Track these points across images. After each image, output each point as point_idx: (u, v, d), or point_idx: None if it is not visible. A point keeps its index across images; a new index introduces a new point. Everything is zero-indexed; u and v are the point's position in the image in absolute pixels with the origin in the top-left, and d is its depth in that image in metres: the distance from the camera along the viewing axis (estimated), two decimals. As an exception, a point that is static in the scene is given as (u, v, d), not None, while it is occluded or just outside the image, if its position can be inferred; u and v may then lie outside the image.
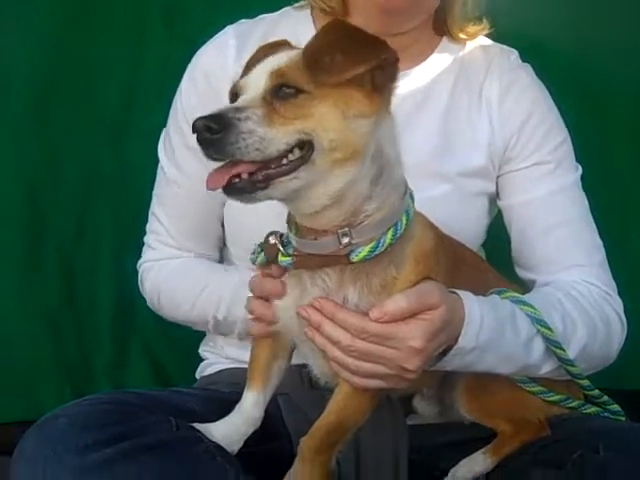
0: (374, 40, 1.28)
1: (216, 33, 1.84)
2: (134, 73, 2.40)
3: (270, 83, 1.27)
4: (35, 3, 2.35)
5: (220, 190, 1.25)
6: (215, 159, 1.24)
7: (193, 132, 1.22)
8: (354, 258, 1.33)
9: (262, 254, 1.43)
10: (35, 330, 2.40)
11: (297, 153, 1.25)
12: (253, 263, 1.45)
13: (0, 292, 2.38)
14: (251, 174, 1.24)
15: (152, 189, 1.89)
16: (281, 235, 1.40)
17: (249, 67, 1.36)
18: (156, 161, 1.89)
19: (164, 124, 1.87)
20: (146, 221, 1.91)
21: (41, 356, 2.41)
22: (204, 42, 1.84)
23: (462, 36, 1.83)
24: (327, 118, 1.25)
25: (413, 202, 1.40)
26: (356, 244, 1.33)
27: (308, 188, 1.29)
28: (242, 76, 1.35)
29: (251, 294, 1.50)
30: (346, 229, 1.32)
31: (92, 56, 2.37)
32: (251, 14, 1.88)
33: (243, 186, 1.25)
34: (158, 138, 1.89)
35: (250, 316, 1.51)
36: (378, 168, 1.32)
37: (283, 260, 1.38)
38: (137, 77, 2.40)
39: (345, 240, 1.32)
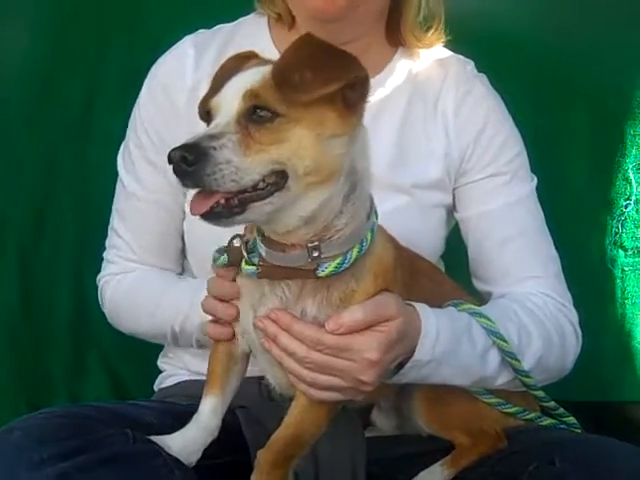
0: (345, 57, 1.27)
1: (177, 38, 1.84)
2: (96, 74, 2.39)
3: (244, 105, 1.26)
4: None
5: (198, 217, 1.25)
6: (192, 187, 1.24)
7: (169, 163, 1.21)
8: (321, 273, 1.33)
9: (222, 257, 1.42)
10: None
11: (272, 178, 1.25)
12: (214, 261, 1.44)
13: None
14: (227, 199, 1.24)
15: (113, 192, 1.88)
16: (247, 241, 1.39)
17: (217, 80, 1.34)
18: (116, 165, 1.87)
19: (125, 128, 1.86)
20: (106, 227, 1.89)
21: (-3, 363, 2.40)
22: (165, 46, 1.84)
23: (418, 45, 1.81)
24: (302, 144, 1.25)
25: (377, 217, 1.40)
26: (324, 259, 1.33)
27: (282, 211, 1.29)
28: (211, 90, 1.34)
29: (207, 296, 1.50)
30: (316, 243, 1.32)
31: (55, 55, 2.37)
32: (211, 19, 1.88)
33: (221, 212, 1.24)
34: (119, 141, 1.88)
35: (207, 317, 1.50)
36: (351, 184, 1.32)
37: (247, 268, 1.37)
38: (99, 79, 2.40)
39: (315, 254, 1.32)
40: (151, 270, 1.84)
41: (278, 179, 1.25)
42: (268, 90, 1.25)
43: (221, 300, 1.47)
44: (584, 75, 2.41)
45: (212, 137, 1.22)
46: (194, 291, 1.68)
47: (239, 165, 1.21)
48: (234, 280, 1.43)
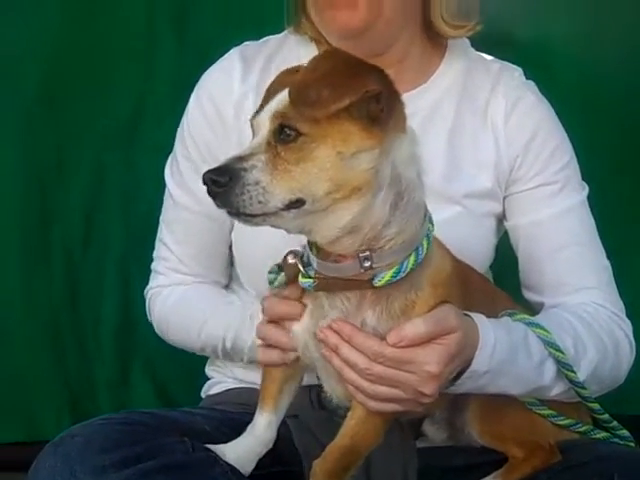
0: (359, 70, 1.26)
1: (226, 47, 1.85)
2: (145, 81, 2.42)
3: (272, 125, 1.28)
4: (46, 5, 2.36)
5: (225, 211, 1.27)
6: (223, 209, 1.27)
7: (203, 184, 1.25)
8: (377, 283, 1.32)
9: (281, 275, 1.41)
10: (37, 343, 2.40)
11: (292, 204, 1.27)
12: (270, 284, 1.43)
13: (5, 300, 2.38)
14: None
15: (161, 201, 1.88)
16: (302, 256, 1.39)
17: (267, 95, 1.36)
18: (164, 173, 1.88)
19: (174, 135, 1.86)
20: (154, 236, 1.89)
21: (42, 370, 2.41)
22: (214, 55, 1.84)
23: (452, 32, 1.76)
24: (324, 164, 1.24)
25: (433, 226, 1.40)
26: (378, 268, 1.32)
27: (312, 223, 1.29)
28: (260, 106, 1.35)
29: (262, 319, 1.49)
30: (367, 253, 1.32)
31: (104, 62, 2.39)
32: (260, 28, 1.89)
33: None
34: (167, 149, 1.89)
35: (260, 342, 1.49)
36: (397, 193, 1.31)
37: (304, 281, 1.36)
38: (148, 85, 2.42)
39: (367, 264, 1.32)
40: (200, 284, 1.84)
41: (296, 204, 1.26)
42: (292, 109, 1.26)
43: (276, 323, 1.45)
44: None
45: (241, 159, 1.25)
46: (244, 307, 1.69)
47: (267, 187, 1.24)
48: (299, 299, 1.42)
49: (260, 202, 1.24)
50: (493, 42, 1.89)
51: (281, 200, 1.25)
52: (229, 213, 1.27)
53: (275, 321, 1.46)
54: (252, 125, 1.33)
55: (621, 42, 2.40)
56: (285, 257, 1.40)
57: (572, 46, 2.41)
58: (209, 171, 1.25)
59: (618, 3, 2.41)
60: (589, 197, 1.83)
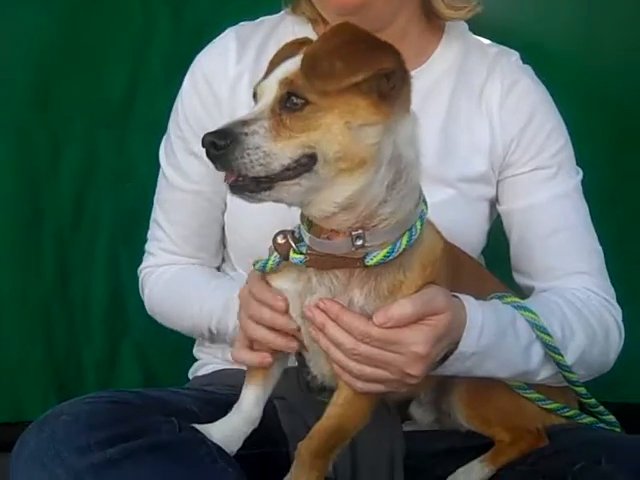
0: (375, 47, 1.25)
1: (221, 26, 1.84)
2: (139, 62, 2.39)
3: (279, 92, 1.27)
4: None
5: (226, 187, 1.27)
6: (223, 171, 1.26)
7: (202, 147, 1.24)
8: (369, 262, 1.32)
9: (274, 256, 1.39)
10: (26, 323, 2.39)
11: (302, 160, 1.25)
12: (261, 270, 1.42)
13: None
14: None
15: (153, 181, 1.88)
16: (292, 232, 1.38)
17: (272, 65, 1.35)
18: (157, 153, 1.87)
19: (167, 116, 1.85)
20: (145, 216, 1.89)
21: (29, 351, 2.40)
22: (209, 35, 1.84)
23: (451, 14, 1.76)
24: (332, 130, 1.24)
25: (427, 207, 1.39)
26: (369, 247, 1.32)
27: (314, 194, 1.28)
28: (265, 75, 1.34)
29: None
30: (360, 232, 1.31)
31: (97, 42, 2.37)
32: (256, 8, 1.88)
33: (247, 185, 1.26)
34: (160, 129, 1.88)
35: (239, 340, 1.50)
36: (396, 172, 1.30)
37: (295, 257, 1.35)
38: (142, 66, 2.39)
39: (359, 242, 1.31)
40: (191, 266, 1.84)
41: (307, 161, 1.25)
42: (302, 78, 1.25)
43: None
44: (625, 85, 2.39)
45: (244, 123, 1.24)
46: (230, 291, 1.67)
47: (268, 150, 1.23)
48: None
49: (262, 165, 1.23)
50: (491, 31, 1.89)
51: (290, 157, 1.24)
52: (232, 190, 1.26)
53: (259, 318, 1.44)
54: (255, 92, 1.32)
55: (620, 29, 2.38)
56: (275, 238, 1.39)
57: (570, 34, 2.40)
58: (209, 133, 1.24)
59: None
60: (584, 182, 1.82)
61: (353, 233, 1.31)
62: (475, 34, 1.87)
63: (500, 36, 1.90)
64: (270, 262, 1.40)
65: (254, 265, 1.42)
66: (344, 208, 1.29)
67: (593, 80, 2.39)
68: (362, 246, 1.31)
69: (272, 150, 1.23)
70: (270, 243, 1.39)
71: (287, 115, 1.25)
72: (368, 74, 1.23)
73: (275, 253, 1.39)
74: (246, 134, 1.23)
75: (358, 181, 1.27)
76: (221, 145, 1.22)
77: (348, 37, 1.26)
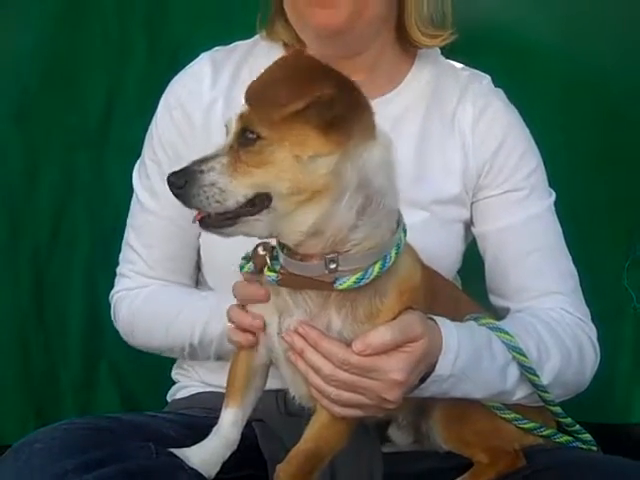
0: (316, 74, 1.26)
1: (197, 47, 1.85)
2: (116, 83, 2.39)
3: (237, 127, 1.30)
4: (21, 8, 2.35)
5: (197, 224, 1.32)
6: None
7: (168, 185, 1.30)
8: (339, 286, 1.33)
9: (249, 264, 1.42)
10: (2, 346, 2.37)
11: (258, 199, 1.28)
12: (241, 269, 1.44)
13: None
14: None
15: (129, 203, 1.87)
16: (272, 248, 1.40)
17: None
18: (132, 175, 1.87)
19: (143, 138, 1.86)
20: (122, 238, 1.88)
21: (7, 374, 2.38)
22: (185, 57, 1.85)
23: (426, 41, 1.76)
24: (282, 167, 1.26)
25: (405, 235, 1.39)
26: (343, 272, 1.32)
27: (278, 226, 1.31)
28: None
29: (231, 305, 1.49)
30: (334, 255, 1.32)
31: (74, 63, 2.37)
32: (231, 29, 1.90)
33: (212, 222, 1.30)
34: (136, 151, 1.88)
35: (232, 325, 1.50)
36: (366, 198, 1.31)
37: (269, 275, 1.37)
38: (118, 87, 2.39)
39: (332, 266, 1.32)
40: (166, 285, 1.83)
41: (263, 200, 1.28)
42: (252, 111, 1.27)
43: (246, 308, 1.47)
44: (605, 90, 2.40)
45: (202, 161, 1.28)
46: (213, 300, 1.69)
47: (223, 187, 1.27)
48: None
49: (218, 202, 1.27)
50: (471, 43, 1.90)
51: (244, 195, 1.27)
52: (201, 226, 1.31)
53: (244, 306, 1.47)
54: (226, 128, 1.34)
55: (603, 38, 2.40)
56: (255, 248, 1.41)
57: (552, 46, 2.40)
58: (170, 173, 1.29)
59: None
60: (556, 204, 1.84)
61: (327, 257, 1.32)
62: (456, 49, 1.87)
63: (479, 51, 1.91)
64: (246, 268, 1.43)
65: (241, 259, 1.45)
66: (312, 235, 1.30)
67: (576, 93, 2.40)
68: (335, 270, 1.32)
69: (227, 187, 1.27)
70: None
71: (243, 150, 1.28)
72: (307, 101, 1.23)
73: (252, 262, 1.41)
74: (202, 171, 1.27)
75: (318, 210, 1.28)
76: (178, 184, 1.27)
77: (294, 66, 1.27)
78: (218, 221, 1.30)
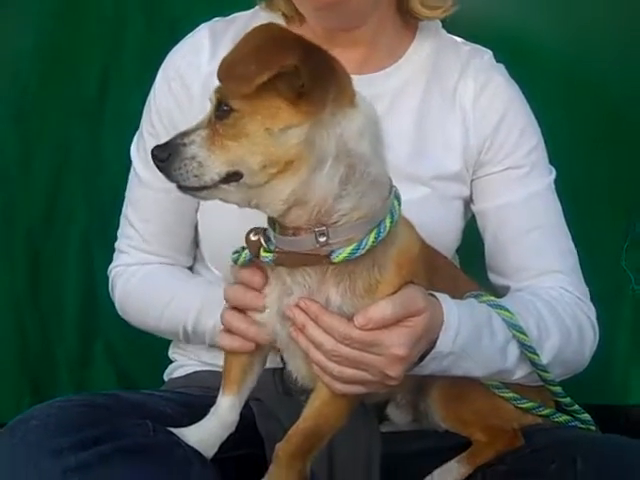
0: (281, 45, 1.24)
1: (195, 21, 1.83)
2: (112, 57, 2.38)
3: (215, 100, 1.29)
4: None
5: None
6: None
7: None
8: (335, 259, 1.31)
9: (244, 252, 1.40)
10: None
11: (230, 178, 1.28)
12: (235, 262, 1.42)
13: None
14: None
15: (126, 178, 1.86)
16: (264, 230, 1.38)
17: None
18: (130, 149, 1.85)
19: (140, 112, 1.84)
20: (118, 214, 1.87)
21: (2, 350, 2.39)
22: (183, 30, 1.83)
23: (426, 13, 1.75)
24: (254, 140, 1.25)
25: (399, 203, 1.38)
26: (335, 244, 1.31)
27: (254, 196, 1.30)
28: None
29: (225, 305, 1.47)
30: (323, 228, 1.30)
31: (70, 38, 2.36)
32: (231, 4, 1.87)
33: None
34: (133, 125, 1.86)
35: (221, 327, 1.48)
36: (348, 167, 1.29)
37: (265, 255, 1.35)
38: (115, 61, 2.38)
39: (322, 239, 1.30)
40: (164, 265, 1.82)
41: (235, 176, 1.27)
42: (224, 84, 1.27)
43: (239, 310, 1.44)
44: (605, 80, 2.39)
45: (185, 134, 1.29)
46: (206, 290, 1.68)
47: (202, 161, 1.27)
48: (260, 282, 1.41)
49: (196, 176, 1.27)
50: (470, 28, 1.88)
51: (217, 173, 1.27)
52: (178, 188, 1.31)
53: (238, 309, 1.44)
54: (210, 101, 1.33)
55: (602, 25, 2.39)
56: (247, 235, 1.39)
57: (552, 31, 2.40)
58: (154, 147, 1.30)
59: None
60: (556, 182, 1.82)
61: (316, 229, 1.30)
62: (453, 28, 1.85)
63: (476, 30, 1.90)
64: (242, 258, 1.40)
65: (232, 255, 1.43)
66: (293, 204, 1.29)
67: (574, 77, 2.40)
68: (326, 243, 1.31)
69: (206, 161, 1.27)
70: (242, 238, 1.39)
71: (220, 123, 1.27)
72: (272, 73, 1.22)
73: (246, 251, 1.39)
74: (184, 144, 1.28)
75: (295, 179, 1.27)
76: (160, 157, 1.28)
77: (262, 38, 1.26)
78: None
